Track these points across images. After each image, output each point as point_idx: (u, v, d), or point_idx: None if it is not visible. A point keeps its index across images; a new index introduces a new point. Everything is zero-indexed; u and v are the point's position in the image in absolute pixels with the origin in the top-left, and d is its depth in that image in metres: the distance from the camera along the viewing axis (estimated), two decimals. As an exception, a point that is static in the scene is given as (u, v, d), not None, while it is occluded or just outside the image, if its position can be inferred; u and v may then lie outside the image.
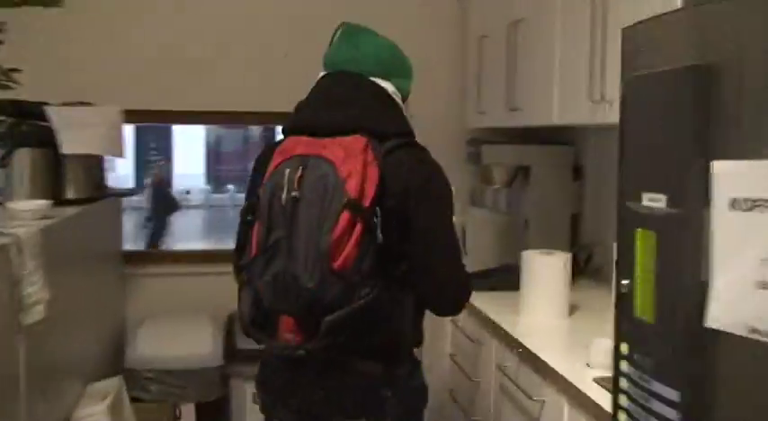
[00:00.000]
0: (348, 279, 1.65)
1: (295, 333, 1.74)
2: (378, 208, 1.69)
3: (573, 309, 2.68)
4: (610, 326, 2.51)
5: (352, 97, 1.83)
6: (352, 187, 1.65)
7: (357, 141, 1.72)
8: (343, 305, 1.65)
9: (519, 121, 3.13)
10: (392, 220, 1.72)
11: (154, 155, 16.61)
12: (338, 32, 1.94)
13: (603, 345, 2.07)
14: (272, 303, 1.71)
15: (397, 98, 1.90)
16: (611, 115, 2.37)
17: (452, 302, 1.91)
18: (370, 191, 1.68)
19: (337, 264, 1.63)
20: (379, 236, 1.68)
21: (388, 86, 1.88)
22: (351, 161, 1.68)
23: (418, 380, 1.95)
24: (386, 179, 1.72)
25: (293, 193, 1.68)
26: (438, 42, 3.84)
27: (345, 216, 1.64)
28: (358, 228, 1.65)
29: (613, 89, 2.35)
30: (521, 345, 2.36)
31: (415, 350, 1.96)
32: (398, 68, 1.93)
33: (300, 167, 1.70)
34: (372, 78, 1.87)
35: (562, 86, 2.76)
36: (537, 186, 3.28)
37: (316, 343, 1.68)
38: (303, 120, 1.85)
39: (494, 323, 2.61)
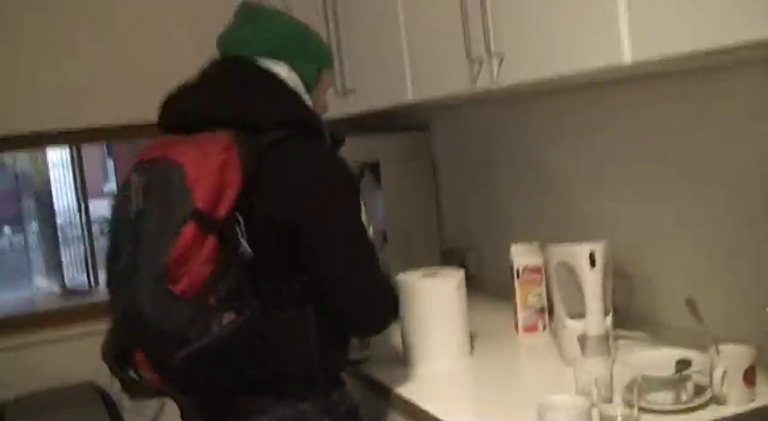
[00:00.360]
0: (200, 305, 1.40)
1: (151, 371, 1.45)
2: (241, 216, 1.44)
3: (470, 339, 2.00)
4: (532, 365, 1.91)
5: (223, 83, 1.59)
6: (200, 194, 1.41)
7: (219, 137, 1.47)
8: (197, 337, 1.40)
9: (356, 107, 2.43)
10: (273, 231, 1.48)
11: None
12: (236, 11, 1.70)
13: (567, 407, 1.41)
14: (122, 337, 1.49)
15: (294, 83, 1.62)
16: (506, 75, 1.71)
17: (373, 319, 1.59)
18: (229, 197, 1.43)
19: (180, 287, 1.39)
20: (247, 250, 1.44)
21: (280, 70, 1.62)
22: (203, 162, 1.43)
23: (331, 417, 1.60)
24: (260, 181, 1.47)
25: (139, 206, 1.46)
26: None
27: (190, 229, 1.39)
28: (209, 243, 1.40)
29: (505, 39, 1.69)
30: (428, 416, 1.64)
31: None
32: (300, 49, 1.66)
33: (145, 174, 1.48)
34: (265, 61, 1.62)
35: (417, 52, 2.08)
36: (392, 186, 2.58)
37: (173, 384, 1.45)
38: (163, 114, 1.63)
39: (375, 383, 1.88)
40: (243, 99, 1.55)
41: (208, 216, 1.40)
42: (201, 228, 1.40)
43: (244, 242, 1.44)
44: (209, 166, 1.43)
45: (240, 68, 1.61)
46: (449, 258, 2.68)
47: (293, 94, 1.61)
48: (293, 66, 1.64)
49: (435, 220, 2.73)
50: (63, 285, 10.59)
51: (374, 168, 2.60)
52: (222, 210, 1.42)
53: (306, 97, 1.64)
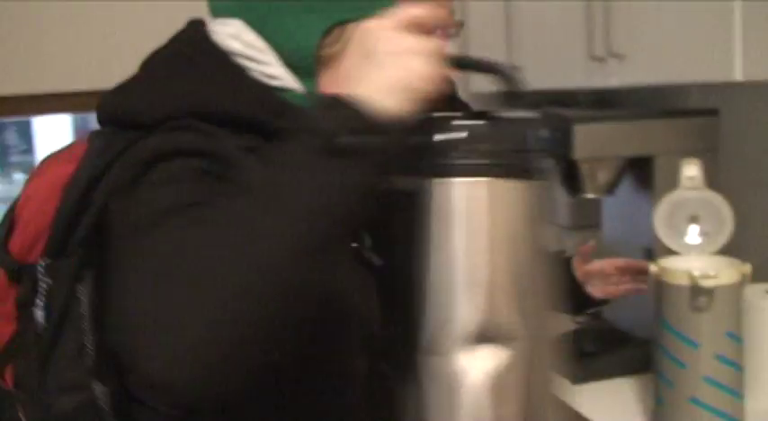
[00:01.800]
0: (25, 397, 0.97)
1: None
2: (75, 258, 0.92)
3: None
4: None
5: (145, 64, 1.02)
6: (19, 227, 0.98)
7: (80, 141, 1.01)
8: None
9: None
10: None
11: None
12: None
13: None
14: None
15: (242, 48, 0.95)
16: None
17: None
18: (40, 229, 0.95)
19: None
20: (83, 304, 0.91)
21: (223, 30, 0.97)
22: (41, 179, 0.99)
23: None
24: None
25: None
26: None
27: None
28: (12, 295, 0.97)
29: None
30: None
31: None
32: None
33: None
34: (219, 20, 1.00)
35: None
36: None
37: None
38: None
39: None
40: (139, 86, 0.98)
41: (13, 258, 0.98)
42: (10, 279, 0.99)
43: (39, 301, 0.93)
44: (41, 186, 0.98)
45: (176, 41, 1.02)
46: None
47: (231, 70, 0.95)
48: (265, 21, 0.95)
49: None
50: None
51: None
52: (36, 253, 0.95)
53: (269, 71, 0.96)
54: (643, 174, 1.92)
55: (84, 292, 0.90)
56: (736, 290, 1.50)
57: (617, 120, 1.93)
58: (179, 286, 0.72)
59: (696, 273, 1.47)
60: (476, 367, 0.88)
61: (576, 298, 1.56)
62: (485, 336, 0.86)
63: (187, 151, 0.85)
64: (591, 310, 1.71)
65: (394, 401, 0.88)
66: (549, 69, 2.16)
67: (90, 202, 0.90)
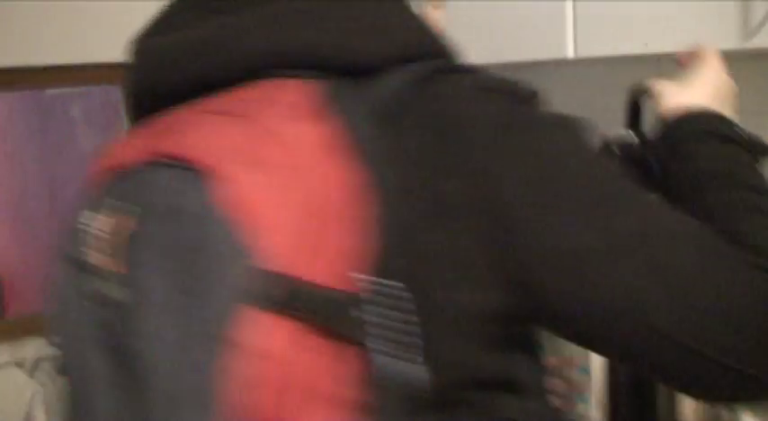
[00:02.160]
0: None
1: None
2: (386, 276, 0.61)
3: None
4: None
5: None
6: (277, 235, 0.59)
7: (293, 90, 0.67)
8: None
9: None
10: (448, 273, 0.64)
11: None
12: None
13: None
14: None
15: None
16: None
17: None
18: (344, 231, 0.60)
19: None
20: (421, 373, 0.59)
21: None
22: (268, 153, 0.62)
23: None
24: (406, 178, 0.64)
25: (114, 291, 0.63)
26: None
27: (264, 325, 0.57)
28: (329, 351, 0.58)
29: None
30: None
31: None
32: None
33: (130, 204, 0.64)
34: None
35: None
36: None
37: None
38: (146, 65, 0.73)
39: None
40: (325, 15, 0.71)
41: (299, 284, 0.58)
42: (289, 318, 0.57)
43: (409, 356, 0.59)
44: (282, 162, 0.62)
45: None
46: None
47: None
48: None
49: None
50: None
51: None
52: (323, 268, 0.59)
53: None
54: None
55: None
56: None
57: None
58: None
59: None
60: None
61: None
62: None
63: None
64: None
65: None
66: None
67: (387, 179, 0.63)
